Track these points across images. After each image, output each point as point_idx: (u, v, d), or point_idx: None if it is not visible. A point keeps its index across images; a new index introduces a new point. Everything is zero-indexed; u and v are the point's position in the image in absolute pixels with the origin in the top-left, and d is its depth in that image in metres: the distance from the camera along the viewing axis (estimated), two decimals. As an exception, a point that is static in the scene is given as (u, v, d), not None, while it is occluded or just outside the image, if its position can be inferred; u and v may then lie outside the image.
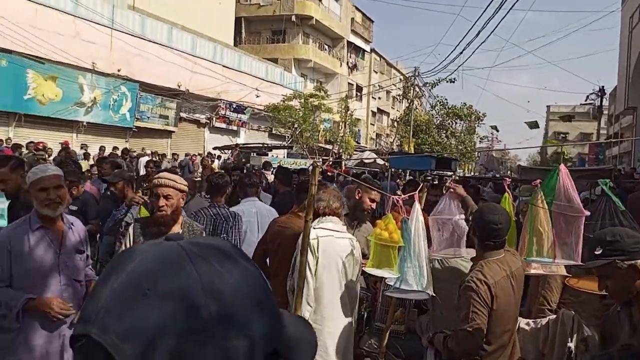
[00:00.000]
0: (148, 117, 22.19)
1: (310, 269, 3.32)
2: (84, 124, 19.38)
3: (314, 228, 3.41)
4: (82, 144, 17.52)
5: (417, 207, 3.50)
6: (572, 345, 3.49)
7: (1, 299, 2.75)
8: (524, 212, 4.52)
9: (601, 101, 34.32)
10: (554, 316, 3.71)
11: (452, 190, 3.75)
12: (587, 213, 3.22)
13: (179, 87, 22.88)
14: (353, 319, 3.48)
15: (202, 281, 0.63)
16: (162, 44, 21.88)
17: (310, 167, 3.42)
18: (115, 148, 18.18)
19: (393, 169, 19.82)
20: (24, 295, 2.73)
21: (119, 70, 20.09)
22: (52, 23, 17.28)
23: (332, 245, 3.38)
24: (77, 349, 0.63)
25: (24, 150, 12.79)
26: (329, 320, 3.35)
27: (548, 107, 70.49)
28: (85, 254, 3.12)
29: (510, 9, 13.31)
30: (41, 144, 14.11)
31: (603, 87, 33.90)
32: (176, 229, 3.21)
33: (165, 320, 0.60)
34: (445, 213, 3.67)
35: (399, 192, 4.65)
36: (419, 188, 3.80)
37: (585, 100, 38.55)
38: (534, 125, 37.59)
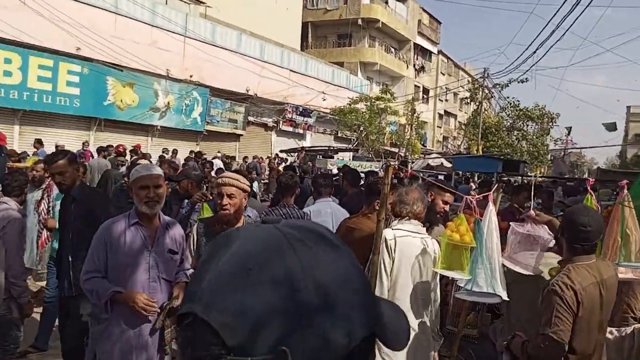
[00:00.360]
0: (218, 121, 22.85)
1: (385, 269, 3.29)
2: (158, 128, 20.24)
3: (392, 228, 3.38)
4: (163, 148, 18.29)
5: (491, 208, 3.39)
6: (661, 355, 3.27)
7: (94, 289, 2.90)
8: (603, 216, 4.28)
9: (688, 101, 32.05)
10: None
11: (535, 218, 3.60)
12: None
13: (248, 91, 23.41)
14: (429, 320, 3.40)
15: (303, 264, 0.64)
16: (231, 50, 22.48)
17: (383, 168, 3.39)
18: (192, 152, 18.88)
19: (461, 172, 19.37)
20: (111, 287, 2.85)
21: (191, 76, 20.84)
22: (130, 32, 18.20)
23: (409, 246, 3.33)
24: (184, 326, 0.65)
25: (105, 152, 13.47)
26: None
27: (628, 107, 66.66)
28: (180, 257, 3.17)
29: (588, 5, 12.68)
30: (121, 147, 14.83)
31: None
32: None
33: (267, 303, 0.61)
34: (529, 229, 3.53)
35: (472, 193, 4.54)
36: (494, 189, 3.68)
37: (670, 100, 36.10)
38: (612, 127, 35.64)
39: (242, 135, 24.51)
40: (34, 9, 14.94)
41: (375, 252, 3.16)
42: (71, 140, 16.65)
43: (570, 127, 32.03)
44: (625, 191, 3.44)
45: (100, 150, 13.33)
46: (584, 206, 3.13)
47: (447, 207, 4.10)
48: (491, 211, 3.41)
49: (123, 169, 9.64)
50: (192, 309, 0.63)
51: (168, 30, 19.64)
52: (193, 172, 5.41)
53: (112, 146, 14.82)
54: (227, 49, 22.24)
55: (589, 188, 3.81)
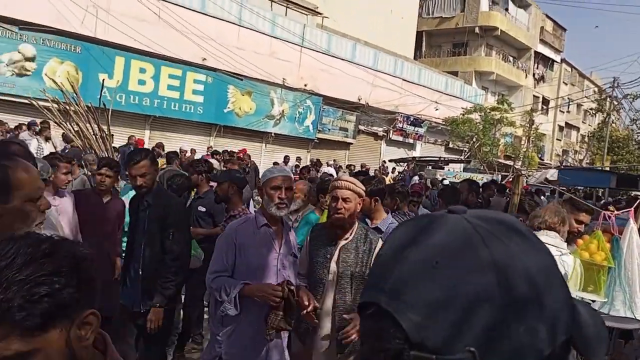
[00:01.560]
0: (329, 129, 23.26)
1: None
2: (272, 135, 21.03)
3: None
4: (285, 155, 18.98)
5: (632, 226, 3.14)
6: None
7: (221, 285, 2.84)
8: None
9: None
10: None
11: None
12: None
13: (359, 100, 23.56)
14: None
15: (495, 258, 0.60)
16: (345, 60, 22.78)
17: (513, 177, 3.26)
18: (298, 159, 19.42)
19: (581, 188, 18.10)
20: (239, 281, 2.81)
21: (305, 85, 21.41)
22: (251, 43, 19.12)
23: None
24: (366, 315, 0.64)
25: (218, 156, 14.27)
26: None
27: None
28: (295, 260, 3.14)
29: None
30: (240, 153, 15.63)
31: None
32: (346, 235, 3.11)
33: (455, 299, 0.58)
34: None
35: (610, 208, 4.18)
36: (636, 204, 3.40)
37: None
38: None
39: (352, 143, 24.73)
40: (167, 22, 16.20)
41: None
42: (193, 144, 17.80)
43: None
44: None
45: (213, 154, 14.12)
46: None
47: (581, 227, 3.83)
48: (632, 229, 3.16)
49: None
50: (375, 299, 0.62)
51: (286, 41, 20.36)
52: (237, 174, 5.04)
53: (226, 151, 15.65)
54: (341, 59, 22.55)
55: None
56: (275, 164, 16.57)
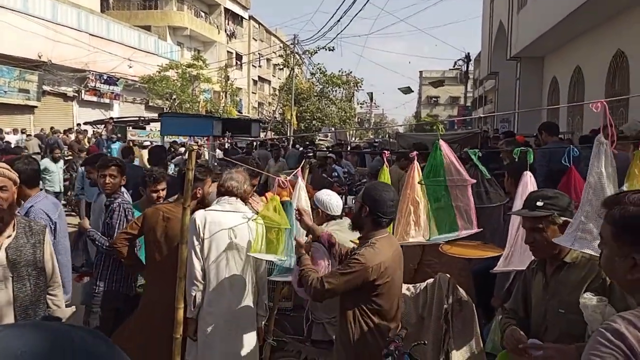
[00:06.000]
0: (5, 92, 20.18)
1: (195, 250, 3.24)
2: None
3: (205, 210, 3.34)
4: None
5: (301, 185, 3.48)
6: (447, 306, 3.75)
7: None
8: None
9: (467, 67, 36.81)
10: (432, 280, 3.95)
11: None
12: (473, 181, 3.43)
13: (40, 57, 20.97)
14: (252, 297, 3.41)
15: None
16: (16, 10, 19.83)
17: (187, 150, 3.27)
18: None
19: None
20: None
21: (-35, 40, 17.93)
22: None
23: (219, 225, 3.28)
24: None
25: None
26: (223, 298, 3.28)
27: (421, 72, 74.06)
28: None
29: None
30: None
31: (469, 53, 36.38)
32: (8, 231, 2.75)
33: None
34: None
35: (282, 176, 4.58)
36: (301, 165, 3.79)
37: (454, 66, 41.15)
38: (407, 90, 39.51)
39: (36, 106, 21.95)
40: None
41: (183, 240, 3.12)
42: None
43: (371, 93, 34.66)
44: (415, 163, 3.72)
45: None
46: (383, 183, 3.23)
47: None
48: (301, 188, 3.51)
49: None
50: None
51: None
52: None
53: None
54: (10, 9, 19.55)
55: (385, 160, 4.04)
56: None
